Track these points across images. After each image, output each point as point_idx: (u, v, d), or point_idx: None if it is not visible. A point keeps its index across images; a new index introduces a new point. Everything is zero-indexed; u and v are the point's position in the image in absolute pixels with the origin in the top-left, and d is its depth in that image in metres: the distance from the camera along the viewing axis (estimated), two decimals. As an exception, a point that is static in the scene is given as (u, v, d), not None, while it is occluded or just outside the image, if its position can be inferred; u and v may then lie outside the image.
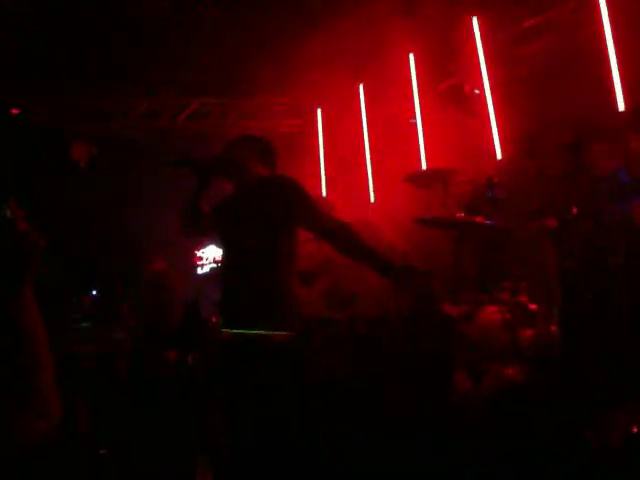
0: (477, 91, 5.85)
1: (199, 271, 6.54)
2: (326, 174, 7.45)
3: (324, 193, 7.38)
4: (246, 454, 2.79)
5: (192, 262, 7.04)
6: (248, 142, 3.32)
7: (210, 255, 7.00)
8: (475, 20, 5.83)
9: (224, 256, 3.19)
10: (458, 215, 4.52)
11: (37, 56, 6.45)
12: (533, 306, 4.18)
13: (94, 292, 6.76)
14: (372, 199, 6.85)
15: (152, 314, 5.57)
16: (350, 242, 2.97)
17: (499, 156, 5.53)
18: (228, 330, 2.85)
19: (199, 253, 7.16)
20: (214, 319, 2.86)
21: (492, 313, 4.12)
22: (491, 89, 5.72)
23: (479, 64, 5.81)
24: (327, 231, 3.01)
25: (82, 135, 6.76)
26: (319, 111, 7.70)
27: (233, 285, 3.00)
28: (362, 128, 7.04)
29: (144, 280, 6.24)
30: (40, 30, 6.19)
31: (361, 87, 7.11)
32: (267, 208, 3.03)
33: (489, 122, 5.67)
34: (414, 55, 6.47)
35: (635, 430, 3.12)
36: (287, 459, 2.71)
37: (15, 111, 6.32)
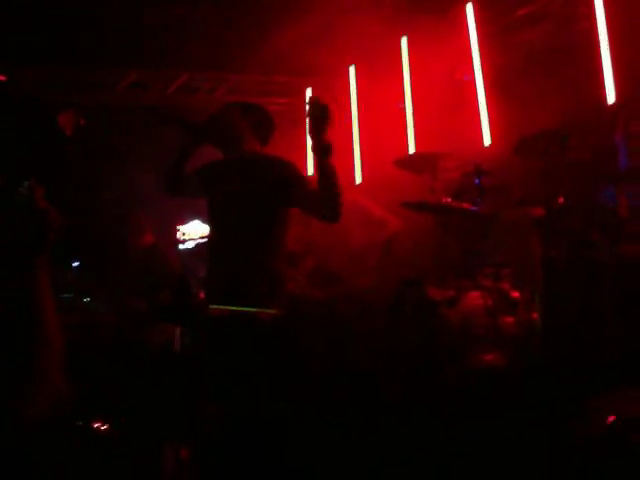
0: (468, 77, 5.85)
1: (181, 247, 6.49)
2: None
3: (310, 173, 7.37)
4: (232, 432, 2.82)
5: (174, 238, 7.01)
6: (248, 112, 3.31)
7: (193, 231, 6.97)
8: (469, 6, 5.82)
9: (213, 232, 3.19)
10: (445, 200, 4.55)
11: (25, 24, 6.38)
12: (515, 293, 4.22)
13: (75, 263, 6.70)
14: (358, 181, 6.86)
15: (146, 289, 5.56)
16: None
17: (487, 143, 5.55)
18: (216, 306, 2.87)
19: (181, 228, 7.12)
20: (201, 295, 2.88)
21: (475, 299, 4.15)
22: (482, 76, 5.72)
23: (471, 51, 5.81)
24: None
25: (69, 104, 6.69)
26: (308, 91, 7.68)
27: (222, 262, 3.01)
28: (351, 109, 7.02)
29: (132, 255, 6.22)
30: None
31: (352, 68, 7.09)
32: (263, 189, 3.04)
33: (479, 109, 5.68)
34: (407, 38, 6.45)
35: (612, 419, 3.17)
36: (271, 437, 2.74)
37: (1, 78, 6.25)
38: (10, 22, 6.23)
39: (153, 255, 5.75)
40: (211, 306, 2.86)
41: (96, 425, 4.44)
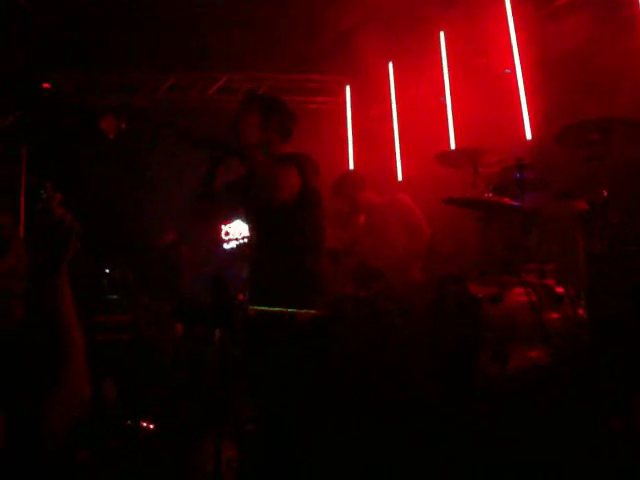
0: (508, 70, 5.78)
1: (225, 247, 6.54)
2: (354, 152, 7.42)
3: (351, 168, 7.37)
4: (270, 430, 2.83)
5: (218, 237, 7.07)
6: (269, 116, 3.28)
7: (236, 230, 7.02)
8: (507, -2, 5.76)
9: (252, 234, 3.20)
10: (486, 196, 4.50)
11: (66, 31, 6.48)
12: (560, 289, 4.15)
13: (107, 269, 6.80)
14: (400, 178, 6.83)
15: (163, 287, 5.63)
16: None
17: (529, 137, 5.48)
18: (255, 307, 2.88)
19: (225, 228, 7.18)
20: (241, 296, 2.90)
21: (518, 295, 4.10)
22: (522, 68, 5.65)
23: (510, 43, 5.74)
24: None
25: (112, 109, 6.79)
26: (348, 88, 7.66)
27: (261, 263, 3.03)
28: (391, 106, 6.99)
29: (154, 253, 6.32)
30: (64, 7, 6.22)
31: (390, 65, 7.05)
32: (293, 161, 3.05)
33: (519, 102, 5.61)
34: (444, 33, 6.40)
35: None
36: (308, 437, 2.74)
37: (46, 85, 6.36)
38: (53, 29, 6.34)
39: (173, 253, 5.83)
40: (250, 307, 2.88)
41: (144, 424, 4.51)
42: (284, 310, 2.79)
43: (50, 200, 1.74)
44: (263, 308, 2.82)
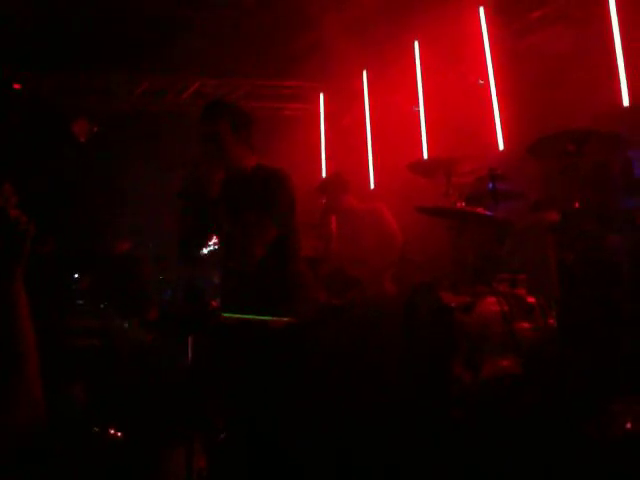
0: (482, 81, 5.83)
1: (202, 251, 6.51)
2: (327, 159, 7.43)
3: (324, 175, 7.37)
4: (242, 439, 2.81)
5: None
6: (238, 129, 3.24)
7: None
8: (482, 10, 5.80)
9: (224, 241, 3.18)
10: (459, 205, 4.52)
11: (40, 32, 6.41)
12: (531, 299, 4.18)
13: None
14: (372, 185, 6.84)
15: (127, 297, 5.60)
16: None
17: (501, 147, 5.53)
18: (229, 315, 2.86)
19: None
20: (214, 303, 2.88)
21: (490, 304, 4.12)
22: (496, 79, 5.70)
23: (484, 53, 5.79)
24: None
25: (84, 111, 6.75)
26: (322, 96, 7.67)
27: (235, 270, 3.01)
28: (364, 114, 7.01)
29: (109, 261, 6.29)
30: (43, 6, 6.16)
31: (365, 73, 7.07)
32: (260, 203, 3.05)
33: (492, 112, 5.66)
34: (419, 42, 6.44)
35: (630, 426, 3.13)
36: (283, 445, 2.73)
37: (17, 86, 6.29)
38: (28, 29, 6.27)
39: (129, 263, 5.81)
40: (224, 314, 2.86)
41: (111, 431, 4.45)
42: (257, 317, 2.77)
43: (6, 202, 1.71)
44: (236, 315, 2.80)
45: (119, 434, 4.42)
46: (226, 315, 2.84)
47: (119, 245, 6.70)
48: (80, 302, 5.80)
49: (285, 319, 2.80)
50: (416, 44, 6.45)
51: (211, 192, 3.02)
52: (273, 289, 2.92)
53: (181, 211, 3.16)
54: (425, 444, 3.57)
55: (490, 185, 4.35)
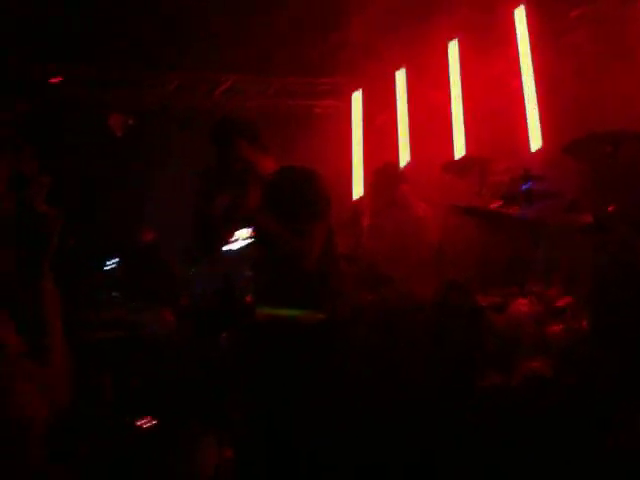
0: (516, 82, 5.79)
1: (230, 247, 6.54)
2: (362, 156, 7.41)
3: (357, 177, 7.34)
4: (271, 432, 2.82)
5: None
6: (254, 142, 3.27)
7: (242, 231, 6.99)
8: (520, 9, 5.76)
9: (269, 244, 3.19)
10: (493, 205, 4.50)
11: (74, 28, 6.48)
12: (563, 301, 4.15)
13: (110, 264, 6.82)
14: (405, 183, 6.81)
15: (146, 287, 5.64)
16: None
17: (537, 147, 5.48)
18: (262, 310, 2.87)
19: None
20: (248, 298, 2.88)
21: (522, 305, 4.10)
22: (533, 79, 5.66)
23: (521, 54, 5.75)
24: None
25: (120, 106, 6.81)
26: (356, 93, 7.66)
27: (268, 264, 3.02)
28: (398, 112, 6.99)
29: (133, 252, 6.34)
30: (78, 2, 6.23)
31: (401, 72, 7.05)
32: (296, 200, 3.06)
33: (529, 113, 5.62)
34: (457, 41, 6.40)
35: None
36: (315, 440, 2.73)
37: (54, 80, 6.36)
38: (61, 26, 6.34)
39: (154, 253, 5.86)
40: (257, 309, 2.87)
41: (141, 422, 4.49)
42: (291, 313, 2.78)
43: (36, 196, 1.74)
44: (270, 311, 2.81)
45: (148, 424, 4.47)
46: (260, 310, 2.85)
47: (144, 235, 6.74)
48: (115, 294, 5.86)
49: (320, 315, 2.80)
50: (453, 42, 6.42)
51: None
52: (310, 286, 2.92)
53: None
54: (450, 444, 3.56)
55: (525, 185, 4.32)
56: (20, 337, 1.68)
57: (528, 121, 5.55)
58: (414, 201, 5.48)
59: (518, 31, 5.78)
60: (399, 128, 6.93)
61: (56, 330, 1.77)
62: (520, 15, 5.79)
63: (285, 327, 2.83)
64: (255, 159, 3.19)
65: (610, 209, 4.03)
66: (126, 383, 4.70)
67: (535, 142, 5.47)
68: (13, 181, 1.83)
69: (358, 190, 7.20)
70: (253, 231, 3.15)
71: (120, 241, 7.05)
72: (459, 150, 6.16)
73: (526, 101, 5.62)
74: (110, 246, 6.86)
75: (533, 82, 5.63)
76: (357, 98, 7.63)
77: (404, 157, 6.82)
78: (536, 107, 5.55)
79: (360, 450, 3.36)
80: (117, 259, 6.71)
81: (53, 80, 6.42)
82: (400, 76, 7.05)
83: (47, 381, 1.70)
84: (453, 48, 6.42)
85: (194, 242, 3.28)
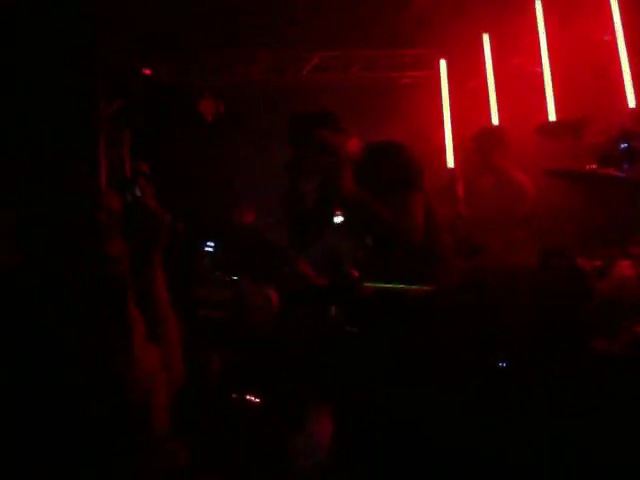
0: (607, 38, 5.62)
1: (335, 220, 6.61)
2: (454, 125, 7.34)
3: (449, 145, 7.29)
4: (383, 406, 2.88)
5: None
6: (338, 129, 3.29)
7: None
8: (608, -39, 5.58)
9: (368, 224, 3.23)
10: (590, 167, 4.41)
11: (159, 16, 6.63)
12: (668, 261, 4.05)
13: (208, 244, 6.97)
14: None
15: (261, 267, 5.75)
16: None
17: (633, 104, 5.32)
18: (370, 284, 2.93)
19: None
20: (355, 273, 2.94)
21: (625, 267, 4.02)
22: (625, 34, 5.48)
23: (609, 10, 5.57)
24: None
25: (210, 90, 6.94)
26: (443, 62, 7.58)
27: (374, 238, 3.07)
28: (487, 78, 6.89)
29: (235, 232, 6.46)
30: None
31: (486, 37, 6.94)
32: (388, 175, 3.09)
33: (621, 69, 5.45)
34: (541, 1, 6.26)
35: None
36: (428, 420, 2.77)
37: (147, 71, 6.52)
38: (150, 16, 6.50)
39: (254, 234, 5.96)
40: (365, 284, 2.92)
41: (250, 397, 4.64)
42: (399, 286, 2.83)
43: (143, 193, 1.84)
44: (378, 284, 2.87)
45: (257, 400, 4.61)
46: (368, 285, 2.91)
47: (245, 216, 6.88)
48: (217, 274, 6.02)
49: (425, 287, 2.85)
50: (538, 2, 6.27)
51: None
52: (415, 258, 2.96)
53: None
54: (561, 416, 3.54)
55: (624, 144, 4.22)
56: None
57: (624, 78, 5.39)
58: (511, 167, 5.43)
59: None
60: (489, 93, 6.83)
61: (168, 315, 1.89)
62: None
63: (393, 300, 2.88)
64: (340, 143, 3.22)
65: None
66: (235, 361, 4.86)
67: (631, 100, 5.31)
68: (122, 177, 1.94)
69: (451, 158, 7.16)
70: (351, 216, 3.21)
71: (217, 222, 7.21)
72: (551, 112, 6.03)
73: (620, 57, 5.46)
74: (207, 228, 7.03)
75: (622, 38, 5.45)
76: (443, 66, 7.56)
77: (496, 122, 6.73)
78: (628, 64, 5.38)
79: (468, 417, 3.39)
80: (214, 241, 6.88)
81: (146, 71, 6.59)
82: (486, 41, 6.93)
83: (165, 360, 1.82)
84: (539, 7, 6.27)
85: (289, 240, 3.35)
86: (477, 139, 5.54)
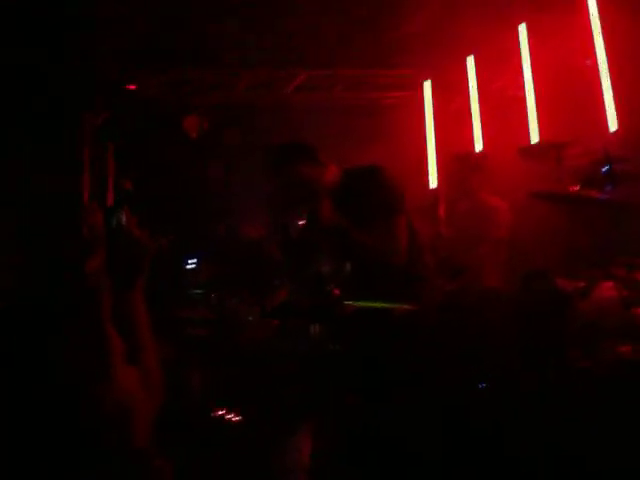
0: (589, 62, 5.69)
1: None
2: (437, 146, 7.39)
3: (432, 166, 7.34)
4: (365, 426, 2.87)
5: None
6: (314, 162, 3.30)
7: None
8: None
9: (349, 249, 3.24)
10: (573, 189, 4.45)
11: (145, 32, 6.63)
12: (649, 283, 4.08)
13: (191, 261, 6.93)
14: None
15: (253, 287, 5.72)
16: None
17: (614, 128, 5.38)
18: (351, 302, 2.93)
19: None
20: (337, 291, 2.95)
21: (608, 289, 4.05)
22: (607, 58, 5.54)
23: (592, 34, 5.64)
24: None
25: (194, 108, 6.95)
26: (427, 83, 7.64)
27: (353, 265, 3.07)
28: (470, 100, 6.95)
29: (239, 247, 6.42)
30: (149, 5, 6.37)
31: (470, 59, 7.00)
32: (369, 200, 3.11)
33: (603, 93, 5.51)
34: (525, 25, 6.33)
35: None
36: (408, 433, 2.77)
37: (132, 87, 6.54)
38: (136, 32, 6.50)
39: (260, 250, 5.92)
40: (346, 302, 2.93)
41: (231, 416, 4.60)
42: (380, 305, 2.83)
43: (129, 221, 1.85)
44: (359, 303, 2.87)
45: (238, 418, 4.58)
46: (349, 303, 2.92)
47: (252, 231, 6.79)
48: (198, 291, 5.99)
49: (409, 306, 2.85)
50: (522, 27, 6.34)
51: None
52: (398, 278, 2.97)
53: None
54: (541, 430, 3.55)
55: (605, 167, 4.26)
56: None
57: (605, 102, 5.44)
58: (486, 192, 5.47)
59: (590, 10, 5.67)
60: (472, 115, 6.88)
61: (148, 340, 1.89)
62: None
63: (375, 319, 2.88)
64: (317, 176, 3.24)
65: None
66: (216, 378, 4.82)
67: (613, 123, 5.36)
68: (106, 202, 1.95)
69: (434, 179, 7.20)
70: (335, 246, 3.23)
71: (202, 239, 7.18)
72: (534, 135, 6.09)
73: (602, 81, 5.52)
74: (191, 245, 7.00)
75: (605, 63, 5.52)
76: (427, 87, 7.61)
77: (478, 144, 6.78)
78: (610, 88, 5.44)
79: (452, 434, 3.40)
80: (197, 258, 6.85)
81: (130, 87, 6.60)
82: (470, 63, 7.00)
83: (145, 383, 1.81)
84: (523, 31, 6.33)
85: (282, 269, 3.38)
86: (455, 163, 5.60)
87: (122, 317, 1.84)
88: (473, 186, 5.46)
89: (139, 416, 1.72)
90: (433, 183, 7.16)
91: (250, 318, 5.30)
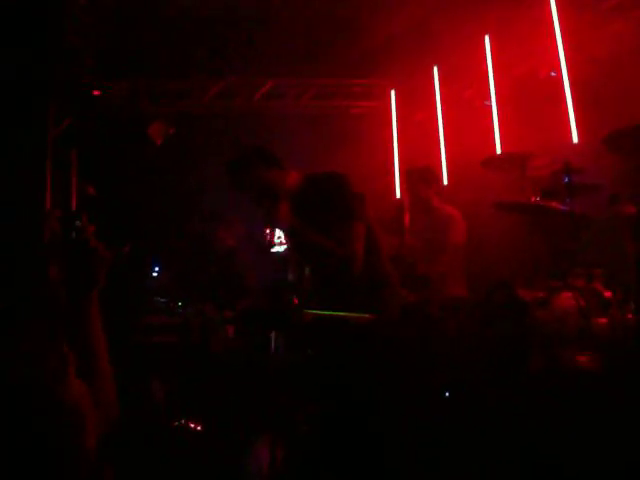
0: (554, 73, 5.76)
1: (275, 250, 6.61)
2: (399, 156, 7.44)
3: (397, 175, 7.39)
4: (325, 433, 2.87)
5: (270, 241, 7.08)
6: (270, 164, 3.34)
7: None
8: (553, 1, 5.73)
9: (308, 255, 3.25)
10: (534, 200, 4.50)
11: (114, 38, 6.60)
12: (608, 293, 4.13)
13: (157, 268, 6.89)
14: (445, 182, 6.83)
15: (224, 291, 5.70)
16: None
17: (576, 140, 5.45)
18: (310, 312, 2.93)
19: (278, 232, 7.19)
20: (296, 300, 2.95)
21: (566, 299, 4.09)
22: (568, 72, 5.62)
23: (556, 45, 5.71)
24: None
25: (160, 115, 6.91)
26: (393, 93, 7.68)
27: (312, 269, 3.08)
28: (436, 110, 7.00)
29: (214, 256, 6.38)
30: (116, 13, 6.34)
31: (435, 69, 7.06)
32: (328, 205, 3.12)
33: (566, 105, 5.58)
34: (489, 36, 6.39)
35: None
36: (367, 440, 2.77)
37: (97, 92, 6.49)
38: (105, 38, 6.46)
39: (232, 259, 5.90)
40: (305, 311, 2.93)
41: (192, 425, 4.57)
42: (339, 314, 2.83)
43: (85, 231, 1.83)
44: (318, 312, 2.87)
45: (199, 428, 4.55)
46: (308, 312, 2.92)
47: (227, 240, 6.76)
48: (161, 299, 5.95)
49: (368, 316, 2.85)
50: (487, 38, 6.41)
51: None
52: (356, 286, 2.97)
53: None
54: (501, 440, 3.58)
55: (566, 178, 4.31)
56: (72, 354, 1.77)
57: (568, 114, 5.51)
58: (440, 204, 5.53)
59: (553, 23, 5.74)
60: (437, 125, 6.94)
61: (102, 352, 1.87)
62: (553, 6, 5.74)
63: (333, 327, 2.88)
64: (273, 178, 3.28)
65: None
66: (175, 387, 4.79)
67: (574, 135, 5.43)
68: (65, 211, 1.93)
69: (399, 188, 7.25)
70: (293, 249, 3.25)
71: (163, 247, 7.14)
72: (497, 146, 6.15)
73: (565, 93, 5.59)
74: (154, 252, 6.96)
75: (567, 75, 5.59)
76: (393, 97, 7.66)
77: (442, 154, 6.83)
78: (571, 100, 5.52)
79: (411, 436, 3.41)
80: (159, 266, 6.81)
81: (95, 92, 6.55)
82: (436, 73, 7.05)
83: (97, 397, 1.79)
84: (487, 43, 6.40)
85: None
86: (405, 178, 5.69)
87: (77, 329, 1.82)
88: (428, 198, 5.53)
89: (89, 424, 1.71)
90: (398, 193, 7.21)
91: (216, 325, 5.28)
